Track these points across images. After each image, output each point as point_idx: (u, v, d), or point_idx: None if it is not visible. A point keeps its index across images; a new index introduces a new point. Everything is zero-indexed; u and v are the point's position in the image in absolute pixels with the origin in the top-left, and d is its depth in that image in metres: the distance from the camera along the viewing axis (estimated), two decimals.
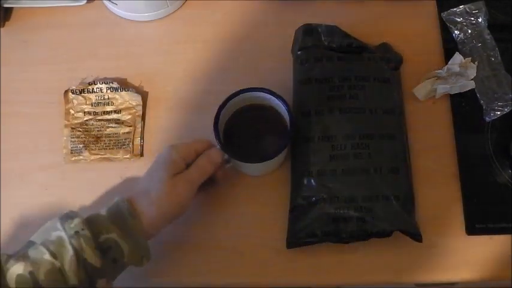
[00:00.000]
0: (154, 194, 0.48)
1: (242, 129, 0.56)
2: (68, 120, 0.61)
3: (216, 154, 0.51)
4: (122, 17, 0.67)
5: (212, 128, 0.52)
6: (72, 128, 0.60)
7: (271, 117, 0.56)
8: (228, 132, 0.55)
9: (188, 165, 0.50)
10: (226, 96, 0.54)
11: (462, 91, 0.58)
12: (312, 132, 0.55)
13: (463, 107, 0.59)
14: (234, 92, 0.54)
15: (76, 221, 0.44)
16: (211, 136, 0.53)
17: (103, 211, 0.47)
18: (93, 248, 0.44)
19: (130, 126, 0.60)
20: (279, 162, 0.56)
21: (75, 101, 0.61)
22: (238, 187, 0.57)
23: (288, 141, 0.53)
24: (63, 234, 0.44)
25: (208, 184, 0.53)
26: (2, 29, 0.68)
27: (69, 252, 0.43)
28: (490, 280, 0.52)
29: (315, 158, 0.54)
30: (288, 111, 0.53)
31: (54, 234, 0.44)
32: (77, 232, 0.44)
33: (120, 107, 0.61)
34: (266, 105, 0.56)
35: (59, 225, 0.44)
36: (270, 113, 0.56)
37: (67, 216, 0.45)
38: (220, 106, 0.54)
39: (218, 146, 0.52)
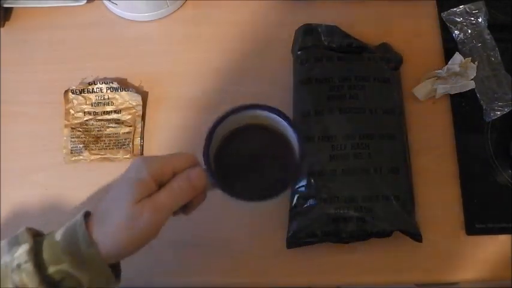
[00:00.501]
0: (111, 223, 0.39)
1: (238, 155, 0.45)
2: (68, 120, 0.61)
3: (200, 176, 0.40)
4: (122, 17, 0.67)
5: (204, 144, 0.41)
6: (72, 128, 0.60)
7: (275, 141, 0.45)
8: (219, 157, 0.43)
9: (161, 186, 0.40)
10: (222, 108, 0.44)
11: (462, 91, 0.58)
12: (312, 132, 0.55)
13: (463, 107, 0.59)
14: (231, 109, 0.43)
15: (21, 249, 0.38)
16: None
17: (59, 234, 0.40)
18: (38, 282, 0.38)
19: (130, 126, 0.60)
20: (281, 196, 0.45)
21: (75, 101, 0.61)
22: None
23: (296, 174, 0.44)
24: (8, 262, 0.39)
25: (180, 208, 0.42)
26: (2, 29, 0.68)
27: (11, 286, 0.38)
28: (490, 280, 0.52)
29: (315, 158, 0.54)
30: (298, 136, 0.42)
31: (3, 260, 0.39)
32: (19, 265, 0.38)
33: (120, 107, 0.61)
34: (269, 126, 0.44)
35: (6, 250, 0.39)
36: (273, 136, 0.45)
37: (15, 241, 0.40)
38: (213, 125, 0.42)
39: (205, 168, 0.41)
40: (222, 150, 0.43)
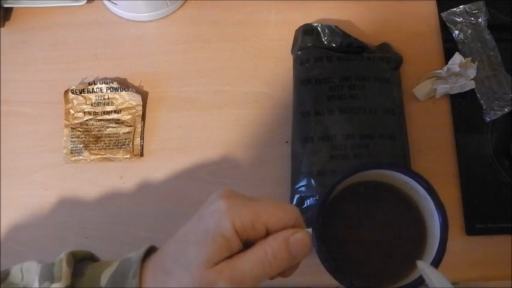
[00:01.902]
0: (174, 284, 0.30)
1: (349, 223, 0.34)
2: (68, 120, 0.61)
3: (303, 244, 0.31)
4: (122, 17, 0.67)
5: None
6: (72, 128, 0.60)
7: (401, 206, 0.34)
8: (325, 222, 0.32)
9: (247, 245, 0.31)
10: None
11: (462, 91, 0.58)
12: (312, 132, 0.55)
13: (463, 107, 0.59)
14: (355, 166, 0.33)
15: None
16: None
17: (105, 277, 0.32)
18: None
19: (130, 126, 0.60)
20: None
21: (75, 101, 0.61)
22: (238, 186, 0.57)
23: (441, 253, 0.35)
24: None
25: None
26: (2, 29, 0.68)
27: None
28: (490, 280, 0.52)
29: (315, 158, 0.54)
30: (438, 205, 0.34)
31: None
32: None
33: (120, 107, 0.61)
34: (394, 186, 0.34)
35: (36, 279, 0.33)
36: (399, 200, 0.34)
37: (49, 274, 0.32)
38: (333, 183, 0.32)
39: (311, 234, 0.32)
40: (332, 211, 0.32)
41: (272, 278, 0.33)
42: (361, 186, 0.34)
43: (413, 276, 0.32)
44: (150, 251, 0.33)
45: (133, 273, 0.31)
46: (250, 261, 0.30)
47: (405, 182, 0.33)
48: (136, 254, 0.33)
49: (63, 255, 0.33)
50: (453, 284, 0.54)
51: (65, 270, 0.32)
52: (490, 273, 0.52)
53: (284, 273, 0.34)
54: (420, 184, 0.33)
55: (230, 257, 0.31)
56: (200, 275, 0.29)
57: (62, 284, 0.31)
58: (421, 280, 0.32)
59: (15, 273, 0.34)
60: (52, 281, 0.32)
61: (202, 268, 0.30)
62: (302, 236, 0.31)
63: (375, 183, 0.34)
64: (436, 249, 0.33)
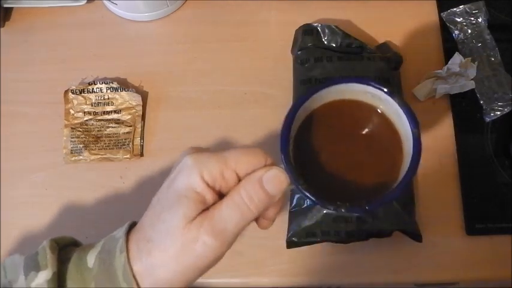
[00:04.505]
0: (159, 252, 0.30)
1: (323, 144, 0.33)
2: (68, 120, 0.61)
3: (278, 180, 0.30)
4: (122, 17, 0.67)
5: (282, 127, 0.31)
6: (72, 128, 0.60)
7: (375, 124, 0.34)
8: (298, 148, 0.32)
9: (222, 195, 0.31)
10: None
11: (462, 91, 0.58)
12: None
13: (463, 107, 0.59)
14: (324, 83, 0.32)
15: (41, 277, 0.30)
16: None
17: (91, 257, 0.31)
18: None
19: (130, 126, 0.60)
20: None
21: (75, 101, 0.61)
22: None
23: (412, 171, 0.35)
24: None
25: None
26: (2, 29, 0.68)
27: None
28: (490, 280, 0.52)
29: None
30: (401, 103, 0.33)
31: (18, 283, 0.31)
32: None
33: (120, 107, 0.61)
34: (364, 103, 0.34)
35: (21, 272, 0.31)
36: (372, 117, 0.34)
37: (34, 263, 0.31)
38: (294, 104, 0.32)
39: (283, 167, 0.31)
40: (301, 138, 0.32)
41: (261, 225, 0.33)
42: (325, 108, 0.33)
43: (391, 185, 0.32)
44: (132, 226, 0.33)
45: (120, 248, 0.31)
46: (227, 208, 0.30)
47: (365, 91, 0.33)
48: (120, 230, 0.33)
49: (45, 243, 0.32)
50: (453, 284, 0.54)
51: (49, 257, 0.31)
52: (490, 273, 0.52)
53: (267, 217, 0.33)
54: (379, 89, 0.33)
55: (207, 209, 0.30)
56: (180, 233, 0.29)
57: (48, 271, 0.30)
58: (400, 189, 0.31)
59: None
60: (38, 269, 0.30)
61: (180, 226, 0.29)
62: (274, 173, 0.30)
63: (338, 102, 0.33)
64: (412, 148, 0.32)
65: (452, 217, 0.54)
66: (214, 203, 0.30)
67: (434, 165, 0.56)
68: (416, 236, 0.51)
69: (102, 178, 0.58)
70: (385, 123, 0.32)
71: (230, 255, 0.54)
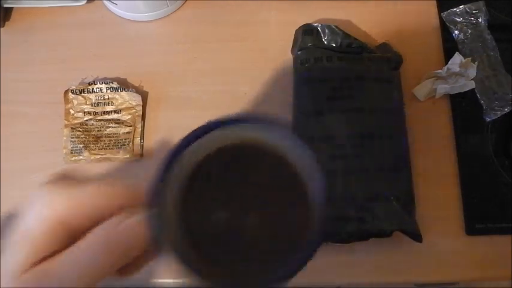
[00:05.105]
0: None
1: (216, 195, 0.27)
2: (68, 120, 0.61)
3: (135, 233, 0.25)
4: (122, 17, 0.67)
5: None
6: (72, 128, 0.60)
7: (277, 172, 0.28)
8: (186, 199, 0.27)
9: (79, 235, 0.26)
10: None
11: (462, 91, 0.58)
12: (312, 132, 0.55)
13: (463, 107, 0.59)
14: (209, 122, 0.26)
15: None
16: None
17: None
18: None
19: (130, 126, 0.60)
20: None
21: (75, 101, 0.61)
22: None
23: (319, 237, 0.27)
24: None
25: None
26: (2, 29, 0.68)
27: None
28: (490, 280, 0.52)
29: None
30: (313, 164, 0.27)
31: None
32: None
33: (120, 107, 0.61)
34: (266, 145, 0.27)
35: None
36: (273, 163, 0.28)
37: None
38: (173, 151, 0.26)
39: (149, 216, 0.25)
40: (191, 188, 0.26)
41: (121, 273, 0.29)
42: (231, 151, 0.27)
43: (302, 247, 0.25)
44: None
45: None
46: (60, 260, 0.25)
47: (271, 135, 0.27)
48: None
49: None
50: (453, 284, 0.54)
51: None
52: (490, 273, 0.52)
53: (126, 270, 0.28)
54: (288, 138, 0.27)
55: (52, 255, 0.25)
56: (16, 279, 0.24)
57: None
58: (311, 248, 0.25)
59: None
60: None
61: (18, 272, 0.24)
62: (133, 221, 0.25)
63: (248, 145, 0.27)
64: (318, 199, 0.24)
65: (452, 217, 0.54)
66: (65, 247, 0.26)
67: (434, 165, 0.56)
68: (417, 236, 0.51)
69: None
70: (289, 171, 0.25)
71: None
